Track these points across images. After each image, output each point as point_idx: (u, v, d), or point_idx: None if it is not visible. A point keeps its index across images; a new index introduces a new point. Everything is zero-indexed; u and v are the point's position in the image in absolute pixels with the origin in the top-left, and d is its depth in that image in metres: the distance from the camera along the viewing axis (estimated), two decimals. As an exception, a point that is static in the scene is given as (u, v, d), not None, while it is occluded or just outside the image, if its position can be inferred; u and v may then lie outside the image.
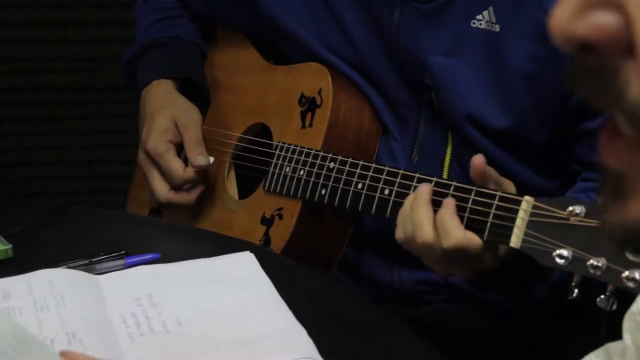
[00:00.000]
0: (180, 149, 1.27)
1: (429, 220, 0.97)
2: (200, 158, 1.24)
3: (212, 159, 1.26)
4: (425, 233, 0.96)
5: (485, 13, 1.09)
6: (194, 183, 1.26)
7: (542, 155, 1.14)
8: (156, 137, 1.25)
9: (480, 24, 1.09)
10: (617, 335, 0.73)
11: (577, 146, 1.11)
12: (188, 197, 1.26)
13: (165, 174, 1.25)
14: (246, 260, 1.03)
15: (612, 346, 0.70)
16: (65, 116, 2.17)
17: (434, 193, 1.01)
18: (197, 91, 1.35)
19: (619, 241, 0.40)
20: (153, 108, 1.29)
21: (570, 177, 1.13)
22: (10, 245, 1.06)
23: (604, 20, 0.36)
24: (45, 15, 2.09)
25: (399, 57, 1.15)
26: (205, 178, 1.29)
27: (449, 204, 0.98)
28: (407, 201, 1.01)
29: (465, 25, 1.10)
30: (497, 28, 1.08)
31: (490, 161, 1.02)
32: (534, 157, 1.14)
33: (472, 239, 0.96)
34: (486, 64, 1.10)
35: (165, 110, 1.28)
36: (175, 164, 1.24)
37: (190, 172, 1.24)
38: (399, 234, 1.02)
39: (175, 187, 1.25)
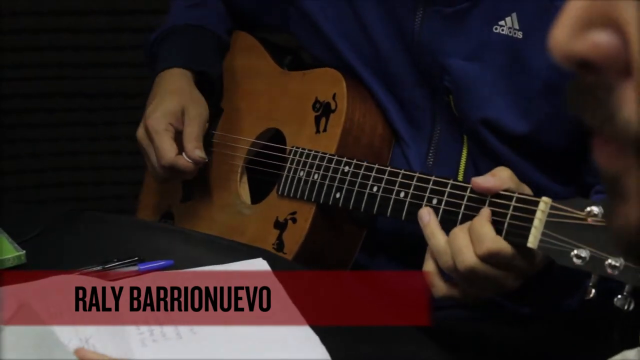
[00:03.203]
0: (178, 137, 1.26)
1: (468, 244, 0.95)
2: (198, 151, 1.24)
3: (206, 159, 1.25)
4: (467, 258, 0.94)
5: (508, 19, 1.08)
6: (180, 172, 1.24)
7: (559, 162, 1.14)
8: (160, 116, 1.25)
9: (503, 30, 1.09)
10: (630, 340, 0.73)
11: (590, 156, 1.11)
12: (188, 164, 1.24)
13: (155, 152, 1.24)
14: (258, 267, 1.03)
15: (630, 353, 0.69)
16: (76, 122, 2.17)
17: (451, 195, 1.01)
18: (210, 85, 1.35)
19: (623, 245, 0.40)
20: (167, 89, 1.29)
21: (589, 188, 1.12)
22: (24, 252, 1.06)
23: (603, 39, 0.37)
24: (56, 22, 2.09)
25: (419, 59, 1.15)
26: (217, 183, 1.29)
27: (484, 213, 0.96)
28: (438, 236, 0.99)
29: (487, 31, 1.09)
30: (520, 35, 1.08)
31: (507, 166, 1.01)
32: (550, 164, 1.14)
33: (505, 245, 0.94)
34: (507, 70, 1.09)
35: (178, 95, 1.28)
36: (167, 145, 1.23)
37: (180, 160, 1.23)
38: (439, 288, 1.00)
39: (162, 169, 1.24)
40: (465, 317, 1.24)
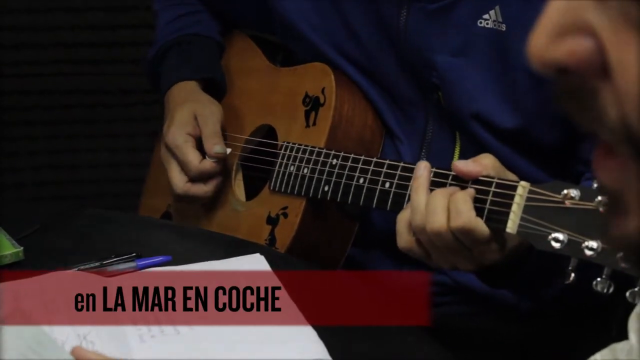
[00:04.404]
0: (199, 143, 1.27)
1: (443, 207, 0.95)
2: (217, 147, 1.25)
3: (229, 150, 1.27)
4: (438, 220, 0.94)
5: (491, 12, 1.09)
6: (210, 175, 1.26)
7: (550, 154, 1.14)
8: (175, 130, 1.26)
9: (487, 24, 1.09)
10: (626, 334, 0.73)
11: (580, 146, 1.11)
12: (205, 188, 1.26)
13: (182, 166, 1.26)
14: (256, 262, 1.03)
15: (618, 346, 0.70)
16: (75, 120, 2.17)
17: (433, 183, 1.00)
18: (215, 89, 1.36)
19: (620, 251, 0.41)
20: (176, 104, 1.31)
21: (579, 176, 1.13)
22: (22, 248, 1.06)
23: (578, 45, 0.38)
24: (54, 18, 2.10)
25: (406, 56, 1.15)
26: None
27: (468, 190, 0.96)
28: (420, 193, 0.98)
29: (472, 25, 1.10)
30: (503, 27, 1.08)
31: (499, 160, 1.01)
32: (542, 156, 1.14)
33: (481, 224, 0.94)
34: (493, 64, 1.10)
35: (187, 104, 1.29)
36: (191, 156, 1.24)
37: (206, 164, 1.25)
38: (404, 238, 1.00)
39: (192, 179, 1.26)
40: (464, 314, 1.24)
